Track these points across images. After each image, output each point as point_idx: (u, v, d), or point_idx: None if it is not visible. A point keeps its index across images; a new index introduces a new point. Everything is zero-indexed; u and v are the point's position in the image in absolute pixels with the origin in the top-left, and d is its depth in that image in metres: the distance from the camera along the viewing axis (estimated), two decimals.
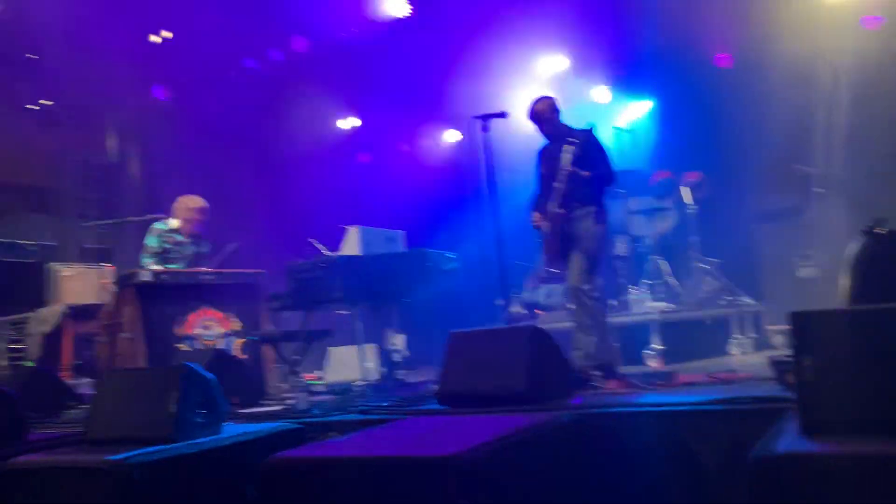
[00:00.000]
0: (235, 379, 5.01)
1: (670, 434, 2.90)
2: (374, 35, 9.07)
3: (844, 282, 3.08)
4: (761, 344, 6.50)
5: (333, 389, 5.59)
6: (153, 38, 9.42)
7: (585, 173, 4.66)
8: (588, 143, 4.74)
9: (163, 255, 6.50)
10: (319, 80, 9.41)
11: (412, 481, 2.17)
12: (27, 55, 9.51)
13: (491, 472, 2.20)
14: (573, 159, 4.66)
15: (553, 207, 4.81)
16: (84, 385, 6.75)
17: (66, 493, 2.70)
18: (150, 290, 5.96)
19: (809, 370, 2.16)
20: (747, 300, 6.63)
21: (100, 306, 6.67)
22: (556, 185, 4.75)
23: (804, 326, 2.21)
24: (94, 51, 8.68)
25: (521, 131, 5.33)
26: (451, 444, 2.29)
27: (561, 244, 4.86)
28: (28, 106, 10.35)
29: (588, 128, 4.89)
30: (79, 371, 7.15)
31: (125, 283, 6.16)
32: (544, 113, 4.92)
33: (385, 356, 6.30)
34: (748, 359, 5.92)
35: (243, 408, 4.73)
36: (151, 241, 6.47)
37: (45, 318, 7.28)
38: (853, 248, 3.13)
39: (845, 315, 2.32)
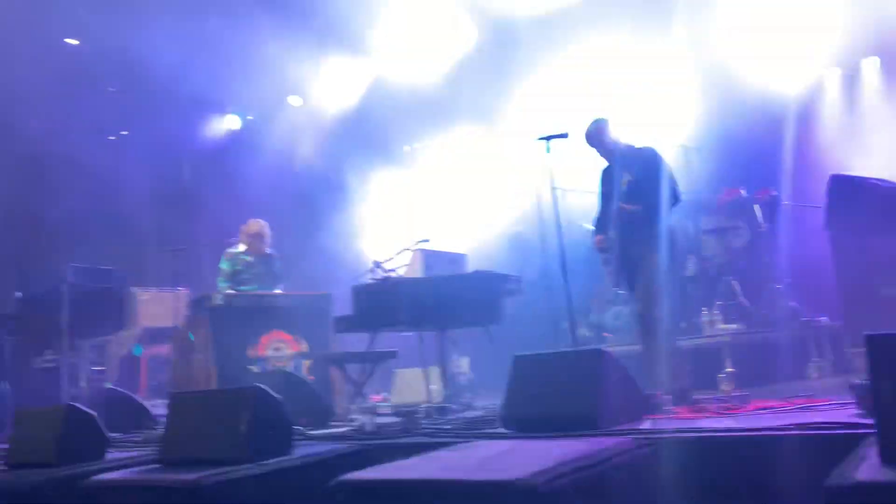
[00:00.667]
0: (304, 400, 5.10)
1: (743, 461, 2.82)
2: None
3: None
4: (841, 367, 6.24)
5: (399, 411, 5.62)
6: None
7: (632, 207, 4.61)
8: (646, 166, 4.68)
9: (236, 278, 6.73)
10: (384, 104, 9.55)
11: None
12: (109, 88, 9.98)
13: (556, 495, 2.17)
14: (627, 188, 4.62)
15: (614, 230, 4.77)
16: (160, 405, 6.98)
17: None
18: (222, 313, 6.15)
19: (888, 396, 2.07)
20: (825, 321, 6.38)
21: (175, 329, 6.91)
22: (615, 208, 4.71)
23: (882, 350, 2.12)
24: (167, 81, 9.04)
25: (585, 151, 5.30)
26: (517, 468, 2.27)
27: (623, 267, 4.80)
28: (109, 137, 10.85)
29: (648, 148, 4.84)
30: (155, 392, 7.41)
31: (198, 306, 6.38)
32: (593, 136, 4.90)
33: (450, 378, 6.31)
34: (827, 382, 5.69)
35: (311, 429, 4.79)
36: (224, 265, 6.74)
37: (123, 341, 7.58)
38: None
39: None
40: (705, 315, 6.42)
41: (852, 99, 7.17)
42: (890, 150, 6.70)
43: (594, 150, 4.95)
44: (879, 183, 6.16)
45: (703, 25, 7.64)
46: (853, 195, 6.19)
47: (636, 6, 7.99)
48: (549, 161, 4.82)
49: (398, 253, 5.74)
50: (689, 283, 6.89)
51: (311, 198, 9.50)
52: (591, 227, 6.53)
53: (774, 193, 7.09)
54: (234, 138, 10.01)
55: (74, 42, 9.38)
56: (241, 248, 6.82)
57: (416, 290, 5.19)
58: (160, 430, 5.36)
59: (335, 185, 9.57)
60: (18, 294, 8.53)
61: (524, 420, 3.66)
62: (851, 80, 7.56)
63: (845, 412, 3.24)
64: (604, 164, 5.09)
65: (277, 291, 6.71)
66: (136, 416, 5.80)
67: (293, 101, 10.11)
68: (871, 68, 7.64)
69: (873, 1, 6.92)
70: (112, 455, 4.17)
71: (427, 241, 5.96)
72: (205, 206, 9.71)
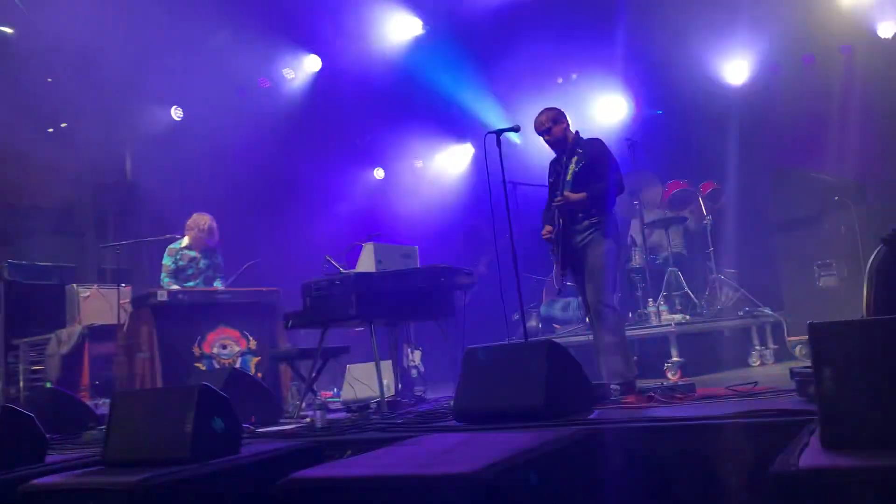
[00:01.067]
0: (252, 398, 5.02)
1: (690, 448, 2.86)
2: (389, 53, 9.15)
3: (865, 291, 3.04)
4: (783, 355, 6.42)
5: (350, 407, 5.58)
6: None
7: (578, 196, 4.65)
8: (594, 155, 4.73)
9: (179, 274, 6.59)
10: (335, 97, 9.46)
11: (430, 500, 2.15)
12: (47, 79, 9.64)
13: (509, 488, 2.17)
14: (575, 174, 4.66)
15: (557, 220, 4.81)
16: (103, 405, 6.80)
17: None
18: (167, 310, 6.02)
19: (830, 382, 2.12)
20: (767, 311, 6.55)
21: (118, 326, 6.73)
22: (558, 198, 4.75)
23: (824, 338, 2.17)
24: (109, 72, 8.78)
25: (535, 145, 5.32)
26: (469, 461, 2.27)
27: (570, 257, 4.84)
28: (48, 129, 10.49)
29: (595, 138, 4.89)
30: (98, 391, 7.21)
31: (141, 303, 6.23)
32: (545, 125, 4.92)
33: (402, 373, 6.29)
34: (769, 370, 5.85)
35: (260, 427, 4.73)
36: (167, 261, 6.61)
37: (64, 340, 7.35)
38: (874, 257, 3.10)
39: (865, 326, 2.29)
40: (651, 306, 6.54)
41: (795, 94, 7.35)
42: (831, 145, 6.90)
43: (543, 139, 4.97)
44: (819, 175, 6.35)
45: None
46: (794, 187, 6.38)
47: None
48: (500, 154, 4.82)
49: (349, 247, 5.68)
50: (634, 274, 7.00)
51: (259, 192, 9.34)
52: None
53: (717, 186, 7.24)
54: (178, 130, 9.76)
55: (9, 30, 9.05)
56: (185, 242, 6.69)
57: (366, 285, 5.14)
58: (104, 431, 5.23)
59: (285, 179, 9.44)
60: None
61: (476, 413, 3.67)
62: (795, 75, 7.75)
63: (787, 399, 3.33)
64: (552, 156, 5.12)
65: (219, 286, 6.60)
66: (79, 417, 5.64)
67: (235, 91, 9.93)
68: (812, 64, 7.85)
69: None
70: (52, 458, 4.04)
71: (378, 234, 5.92)
72: (148, 200, 9.46)
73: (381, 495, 2.25)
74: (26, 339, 7.93)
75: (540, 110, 4.99)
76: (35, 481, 2.95)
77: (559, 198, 4.71)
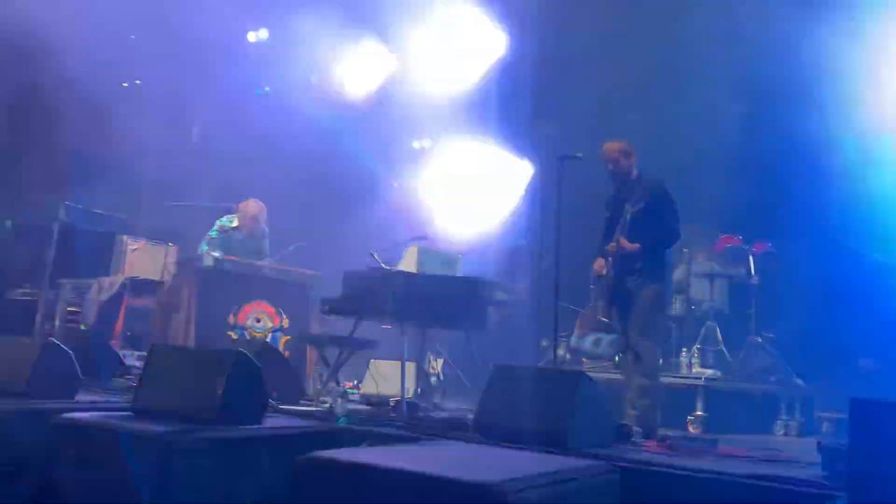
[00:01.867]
0: (278, 374, 5.09)
1: (705, 502, 2.85)
2: None
3: None
4: (807, 428, 6.30)
5: (369, 400, 5.63)
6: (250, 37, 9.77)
7: (633, 247, 4.64)
8: (654, 199, 4.71)
9: (223, 247, 6.75)
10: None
11: (449, 502, 2.18)
12: (130, 35, 9.92)
13: None
14: (635, 215, 4.65)
15: (610, 260, 4.81)
16: (131, 356, 6.95)
17: (111, 455, 2.79)
18: (210, 276, 6.15)
19: (863, 460, 2.11)
20: (799, 382, 6.44)
21: (159, 283, 6.88)
22: (612, 244, 4.75)
23: (864, 413, 2.16)
24: (188, 38, 9.00)
25: (595, 177, 5.33)
26: (490, 471, 2.30)
27: (616, 297, 4.83)
28: (122, 83, 10.78)
29: (658, 181, 4.87)
30: (129, 342, 7.37)
31: (187, 265, 6.37)
32: (613, 154, 4.92)
33: (423, 377, 6.32)
34: (792, 442, 5.75)
35: (282, 403, 4.80)
36: (213, 233, 6.81)
37: (105, 287, 7.53)
38: None
39: None
40: (684, 356, 6.47)
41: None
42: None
43: (607, 168, 4.96)
44: (876, 255, 6.25)
45: None
46: (850, 264, 6.29)
47: None
48: (560, 180, 4.84)
49: (395, 245, 5.75)
50: (672, 321, 6.94)
51: (319, 176, 9.44)
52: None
53: (771, 249, 7.14)
54: (252, 104, 9.95)
55: None
56: (235, 222, 6.86)
57: (405, 284, 5.19)
58: (130, 380, 5.36)
59: (349, 172, 9.52)
60: (7, 222, 8.47)
61: (496, 428, 3.68)
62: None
63: (811, 471, 3.28)
64: (609, 187, 5.11)
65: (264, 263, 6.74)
66: (108, 363, 5.78)
67: (314, 79, 10.09)
68: None
69: None
70: (81, 397, 4.16)
71: (425, 238, 5.99)
72: (210, 167, 9.66)
73: (399, 488, 2.28)
74: (70, 281, 8.13)
75: (614, 139, 4.99)
76: (66, 415, 3.06)
77: (613, 244, 4.71)
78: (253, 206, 6.84)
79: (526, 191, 8.81)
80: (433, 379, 7.44)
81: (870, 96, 6.83)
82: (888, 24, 6.78)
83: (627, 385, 4.68)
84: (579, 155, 5.05)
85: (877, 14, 6.73)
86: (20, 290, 8.21)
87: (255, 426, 3.25)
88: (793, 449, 4.72)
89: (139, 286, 7.52)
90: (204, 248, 6.72)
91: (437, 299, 5.38)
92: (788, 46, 7.05)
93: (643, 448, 3.92)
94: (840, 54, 6.59)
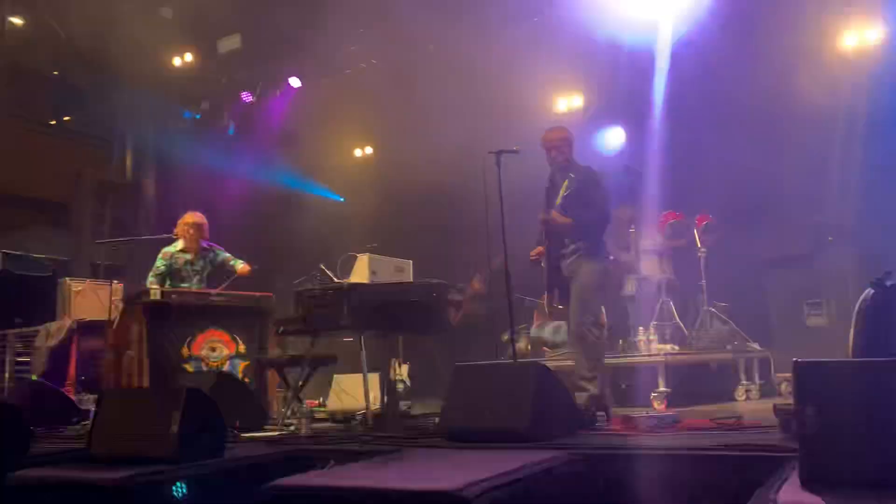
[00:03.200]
0: (238, 402, 5.02)
1: (671, 478, 2.89)
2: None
3: (853, 332, 3.08)
4: (768, 391, 6.45)
5: (335, 417, 5.58)
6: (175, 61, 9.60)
7: (564, 220, 4.70)
8: (585, 183, 4.79)
9: (174, 276, 6.60)
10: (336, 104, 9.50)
11: None
12: (53, 72, 9.70)
13: None
14: (565, 198, 4.72)
15: (543, 242, 4.88)
16: (88, 401, 6.77)
17: None
18: (158, 310, 6.00)
19: (812, 421, 2.16)
20: (755, 346, 6.59)
21: (108, 322, 6.72)
22: (543, 216, 4.81)
23: (808, 376, 2.21)
24: (115, 70, 8.83)
25: (534, 168, 5.37)
26: (451, 478, 2.29)
27: (557, 280, 4.89)
28: (50, 122, 10.53)
29: (589, 166, 4.96)
30: (84, 386, 7.18)
31: (133, 301, 6.22)
32: (553, 141, 4.99)
33: (389, 386, 6.29)
34: (755, 406, 5.87)
35: (245, 431, 4.72)
36: (159, 263, 6.62)
37: (53, 333, 7.33)
38: (862, 298, 3.14)
39: (849, 366, 2.33)
40: (641, 334, 6.57)
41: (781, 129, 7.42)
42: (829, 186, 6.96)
43: (550, 156, 5.02)
44: (814, 216, 6.43)
45: None
46: (788, 226, 6.46)
47: None
48: (499, 174, 4.86)
49: (344, 257, 5.71)
50: (627, 302, 7.04)
51: (263, 198, 9.35)
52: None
53: (712, 220, 7.29)
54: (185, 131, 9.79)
55: (18, 22, 9.10)
56: (179, 245, 6.69)
57: (359, 296, 5.16)
58: (87, 426, 5.22)
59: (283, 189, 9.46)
60: None
61: (462, 430, 3.68)
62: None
63: (770, 435, 3.35)
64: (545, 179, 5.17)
65: (237, 265, 6.61)
66: (63, 411, 5.63)
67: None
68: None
69: None
70: (35, 451, 4.03)
71: (374, 246, 5.95)
72: (147, 201, 9.49)
73: None
74: (14, 331, 7.90)
75: (556, 124, 5.05)
76: (19, 473, 2.96)
77: (544, 216, 4.76)
78: (190, 217, 6.68)
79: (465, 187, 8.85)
80: (399, 385, 7.41)
81: None
82: None
83: (580, 368, 4.73)
84: (516, 149, 5.07)
85: None
86: None
87: (217, 459, 3.20)
88: (754, 413, 4.82)
89: (88, 328, 7.33)
90: (150, 279, 6.56)
91: (393, 306, 5.36)
92: None
93: (607, 431, 3.97)
94: None
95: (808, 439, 2.13)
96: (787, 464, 2.63)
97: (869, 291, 3.20)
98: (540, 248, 4.97)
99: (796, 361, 2.22)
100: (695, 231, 7.14)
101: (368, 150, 10.78)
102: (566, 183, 4.72)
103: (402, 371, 7.80)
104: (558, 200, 4.72)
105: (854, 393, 2.16)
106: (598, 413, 4.35)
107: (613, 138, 8.89)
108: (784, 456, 2.72)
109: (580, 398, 4.63)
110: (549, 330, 7.56)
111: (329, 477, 2.54)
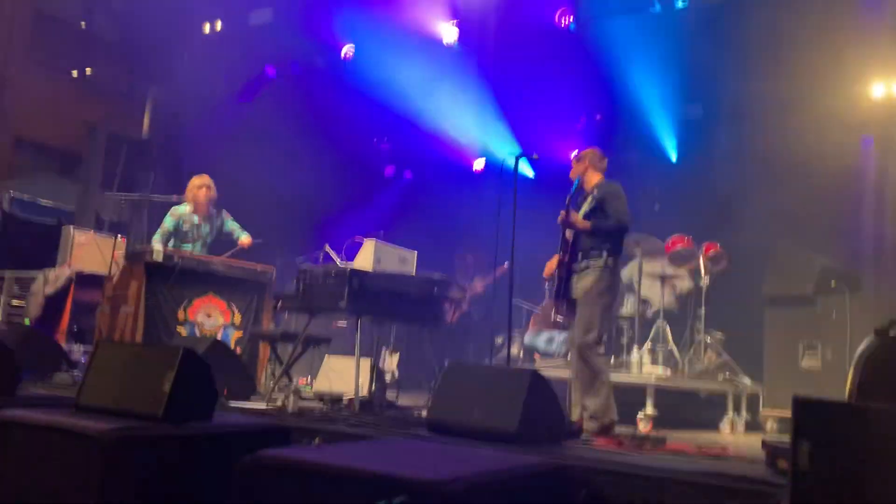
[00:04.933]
0: (229, 371, 5.04)
1: (652, 500, 2.89)
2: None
3: (851, 377, 3.07)
4: (753, 426, 6.45)
5: (322, 397, 5.59)
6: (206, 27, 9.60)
7: (583, 223, 4.68)
8: (605, 196, 4.79)
9: (179, 236, 6.60)
10: (357, 90, 9.49)
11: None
12: (80, 24, 9.69)
13: (478, 502, 2.19)
14: (586, 213, 4.71)
15: (561, 256, 4.87)
16: (78, 351, 6.78)
17: (52, 454, 2.71)
18: (159, 270, 6.00)
19: (805, 458, 2.16)
20: (746, 380, 6.59)
21: (107, 277, 6.72)
22: (564, 234, 4.80)
23: (807, 413, 2.21)
24: (143, 26, 8.82)
25: (550, 177, 5.38)
26: (438, 470, 2.29)
27: (566, 293, 4.88)
28: (72, 72, 10.52)
29: (612, 182, 4.96)
30: (75, 337, 7.19)
31: (135, 258, 6.22)
32: (579, 157, 5.00)
33: (377, 374, 6.29)
34: (738, 438, 5.88)
35: (232, 400, 4.73)
36: (166, 221, 6.60)
37: (51, 280, 7.33)
38: (865, 345, 3.13)
39: (849, 409, 2.33)
40: (635, 354, 6.57)
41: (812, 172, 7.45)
42: (837, 230, 6.98)
43: (572, 171, 5.03)
44: (819, 258, 6.42)
45: None
46: (793, 265, 6.45)
47: None
48: (515, 178, 4.87)
49: (350, 241, 5.71)
50: (623, 321, 7.04)
51: (276, 169, 9.32)
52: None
53: (719, 249, 7.29)
54: (206, 96, 9.76)
55: None
56: (188, 207, 6.68)
57: (361, 281, 5.16)
58: (76, 376, 5.23)
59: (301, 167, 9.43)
60: None
61: (448, 425, 3.69)
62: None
63: (754, 468, 3.35)
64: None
65: (243, 238, 6.61)
66: (52, 359, 5.63)
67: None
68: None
69: None
70: (23, 394, 4.04)
71: (380, 233, 5.95)
72: (160, 159, 9.48)
73: (347, 487, 2.26)
74: (13, 273, 7.90)
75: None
76: (5, 412, 2.96)
77: (563, 213, 4.74)
78: (198, 179, 6.67)
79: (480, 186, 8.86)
80: (387, 375, 7.42)
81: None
82: None
83: (577, 383, 4.72)
84: (535, 156, 5.09)
85: None
86: None
87: (204, 423, 3.19)
88: (738, 446, 4.83)
89: (86, 279, 7.33)
90: (156, 237, 6.56)
91: (393, 296, 5.36)
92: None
93: (594, 445, 3.97)
94: None
95: (801, 476, 2.12)
96: (772, 499, 2.64)
97: (872, 339, 3.19)
98: (553, 263, 4.97)
99: (796, 397, 2.21)
100: (700, 258, 7.13)
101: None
102: (589, 199, 4.71)
103: (391, 361, 7.81)
104: (580, 214, 4.71)
105: (851, 435, 2.15)
106: (587, 427, 4.36)
107: None
108: (769, 491, 2.73)
109: (574, 413, 4.63)
110: (543, 339, 7.62)
111: (315, 453, 2.53)
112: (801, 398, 2.22)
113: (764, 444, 3.60)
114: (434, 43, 9.23)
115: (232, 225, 6.79)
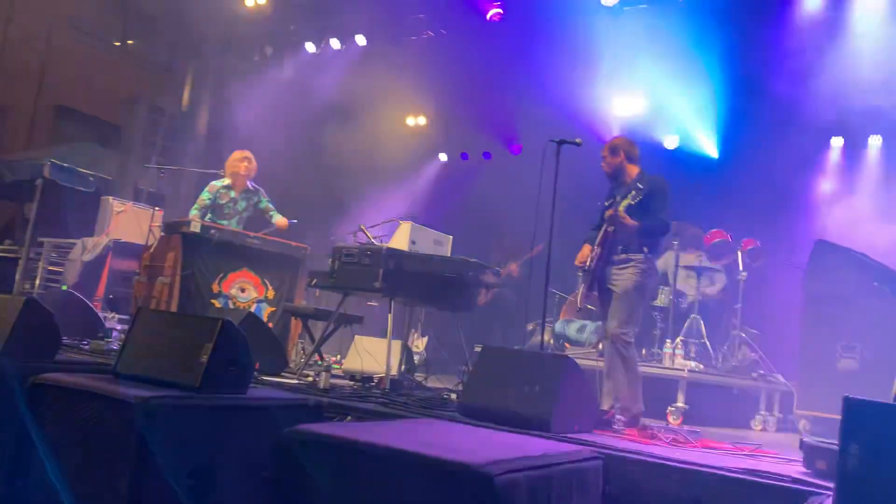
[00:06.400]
0: (261, 345, 5.05)
1: (690, 493, 2.85)
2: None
3: None
4: (785, 426, 6.36)
5: (353, 376, 5.61)
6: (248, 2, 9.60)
7: (632, 223, 4.61)
8: (652, 191, 4.69)
9: (216, 211, 6.63)
10: (400, 73, 9.43)
11: (431, 482, 2.16)
12: None
13: (510, 488, 2.17)
14: (629, 206, 4.62)
15: (596, 246, 4.80)
16: (112, 319, 6.88)
17: (91, 419, 2.74)
18: (196, 242, 6.06)
19: (854, 459, 2.11)
20: (780, 378, 6.49)
21: (144, 247, 6.80)
22: (607, 227, 4.72)
23: (857, 414, 2.15)
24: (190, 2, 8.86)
25: (591, 164, 5.30)
26: (475, 453, 2.27)
27: (600, 282, 4.81)
28: (115, 43, 10.61)
29: (659, 176, 4.86)
30: (110, 305, 7.30)
31: (173, 229, 6.28)
32: (602, 151, 4.92)
33: (407, 355, 6.31)
34: (770, 437, 5.79)
35: (265, 375, 4.76)
36: (205, 195, 6.62)
37: (89, 248, 7.45)
38: None
39: None
40: (667, 347, 6.49)
41: (852, 170, 7.32)
42: (882, 229, 6.83)
43: (606, 163, 4.94)
44: (862, 258, 6.27)
45: None
46: (834, 264, 6.30)
47: None
48: (557, 164, 4.80)
49: (386, 221, 5.71)
50: (657, 313, 6.96)
51: (315, 149, 9.34)
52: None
53: (758, 245, 7.17)
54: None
55: None
56: (227, 181, 6.70)
57: (396, 262, 5.15)
58: (110, 343, 5.30)
59: (345, 145, 9.43)
60: None
61: (480, 409, 3.67)
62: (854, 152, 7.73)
63: (792, 467, 3.29)
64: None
65: (276, 218, 6.64)
66: (89, 325, 5.71)
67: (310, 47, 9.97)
68: (875, 143, 7.80)
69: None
70: (61, 357, 4.10)
71: (415, 216, 5.94)
72: (201, 134, 9.55)
73: (383, 465, 2.26)
74: (52, 240, 8.04)
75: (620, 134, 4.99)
76: (47, 375, 3.00)
77: (611, 211, 4.66)
78: (240, 153, 6.68)
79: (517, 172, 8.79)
80: (417, 357, 7.44)
81: None
82: None
83: (610, 375, 4.67)
84: (578, 141, 5.00)
85: None
86: (0, 247, 8.10)
87: (240, 396, 3.21)
88: (770, 444, 4.75)
89: (123, 249, 7.44)
90: (193, 212, 6.60)
91: (427, 278, 5.34)
92: None
93: (624, 436, 3.93)
94: None
95: (848, 478, 2.08)
96: (811, 499, 2.58)
97: None
98: (586, 251, 4.90)
99: (847, 397, 2.16)
100: (738, 253, 7.03)
101: (422, 120, 10.76)
102: (632, 193, 4.61)
103: (420, 343, 7.83)
104: (621, 209, 4.61)
105: None
106: (619, 417, 4.32)
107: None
108: (808, 491, 2.68)
109: (605, 403, 4.59)
110: (574, 327, 7.57)
111: (352, 430, 2.53)
112: (852, 398, 2.17)
113: (802, 443, 3.53)
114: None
115: (267, 204, 6.81)
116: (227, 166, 6.70)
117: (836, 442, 2.17)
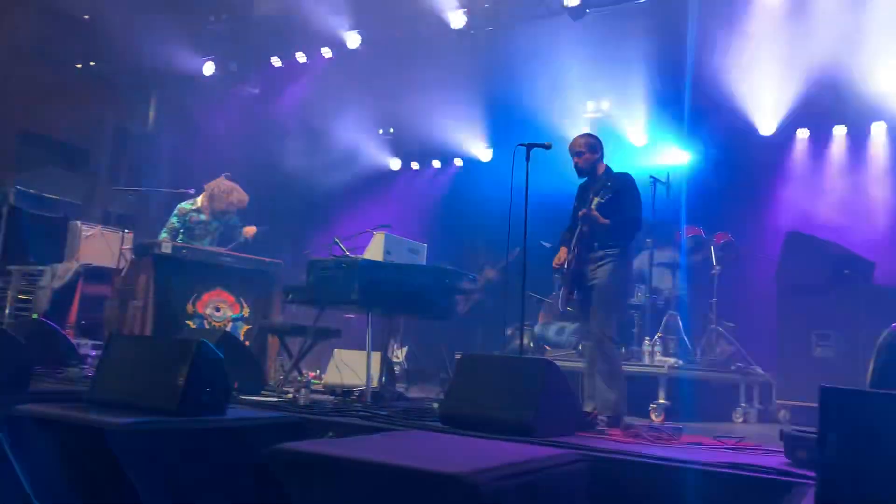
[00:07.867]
0: (239, 364, 4.99)
1: (674, 490, 2.86)
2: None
3: (872, 366, 3.04)
4: (766, 416, 6.42)
5: (333, 390, 5.56)
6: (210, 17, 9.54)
7: (605, 221, 4.64)
8: (621, 188, 4.73)
9: (187, 232, 6.56)
10: (366, 81, 9.41)
11: (416, 494, 2.14)
12: (84, 16, 9.63)
13: (497, 495, 2.16)
14: (600, 204, 4.66)
15: (573, 247, 4.82)
16: (86, 346, 6.77)
17: (67, 448, 2.69)
18: (167, 263, 5.99)
19: (833, 448, 2.12)
20: (758, 370, 6.55)
21: (115, 270, 6.70)
22: (581, 227, 4.75)
23: (834, 403, 2.17)
24: (147, 19, 8.77)
25: (563, 166, 5.33)
26: (459, 462, 2.26)
27: (577, 284, 4.83)
28: (76, 65, 10.47)
29: (626, 173, 4.90)
30: (83, 332, 7.17)
31: (144, 251, 6.20)
32: (579, 149, 4.94)
33: (388, 366, 6.27)
34: (751, 428, 5.84)
35: (243, 394, 4.70)
36: (173, 220, 6.58)
37: (59, 274, 7.32)
38: (886, 333, 3.10)
39: (876, 398, 2.28)
40: (646, 345, 6.52)
41: (819, 159, 7.44)
42: (850, 215, 6.94)
43: (575, 161, 4.97)
44: (833, 246, 6.36)
45: None
46: (806, 254, 6.39)
47: None
48: (527, 169, 4.81)
49: (360, 233, 5.68)
50: (634, 311, 6.99)
51: (283, 163, 9.28)
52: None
53: (731, 239, 7.24)
54: (207, 88, 9.71)
55: None
56: (198, 203, 6.64)
57: (371, 273, 5.12)
58: (85, 370, 5.21)
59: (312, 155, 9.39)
60: None
61: (463, 417, 3.65)
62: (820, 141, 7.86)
63: (775, 459, 3.32)
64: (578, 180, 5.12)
65: (229, 250, 6.57)
66: (62, 353, 5.61)
67: (274, 61, 9.91)
68: (841, 133, 7.92)
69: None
70: (33, 389, 4.02)
71: (389, 226, 5.91)
72: (165, 154, 9.45)
73: (368, 480, 2.23)
74: (20, 267, 7.89)
75: (578, 133, 5.02)
76: (20, 406, 2.93)
77: (584, 210, 4.69)
78: (220, 185, 6.59)
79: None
80: (396, 368, 7.41)
81: None
82: None
83: (588, 373, 4.68)
84: (547, 145, 5.02)
85: None
86: None
87: (218, 417, 3.17)
88: (753, 436, 4.78)
89: (94, 273, 7.32)
90: (162, 235, 6.53)
91: (404, 287, 5.31)
92: None
93: (608, 436, 3.93)
94: None
95: (828, 467, 2.09)
96: (795, 490, 2.60)
97: (893, 327, 3.16)
98: (563, 254, 4.92)
99: (823, 387, 2.18)
100: (711, 248, 7.09)
101: (392, 130, 10.74)
102: (602, 191, 4.65)
103: (400, 353, 7.79)
104: (593, 206, 4.64)
105: (878, 425, 2.11)
106: (601, 417, 4.33)
107: None
108: (791, 482, 2.69)
109: (588, 405, 4.60)
110: (553, 329, 7.58)
111: (334, 446, 2.50)
112: (828, 387, 2.18)
113: (782, 434, 3.56)
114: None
115: (236, 220, 6.76)
116: (212, 197, 6.59)
117: (816, 431, 2.18)
